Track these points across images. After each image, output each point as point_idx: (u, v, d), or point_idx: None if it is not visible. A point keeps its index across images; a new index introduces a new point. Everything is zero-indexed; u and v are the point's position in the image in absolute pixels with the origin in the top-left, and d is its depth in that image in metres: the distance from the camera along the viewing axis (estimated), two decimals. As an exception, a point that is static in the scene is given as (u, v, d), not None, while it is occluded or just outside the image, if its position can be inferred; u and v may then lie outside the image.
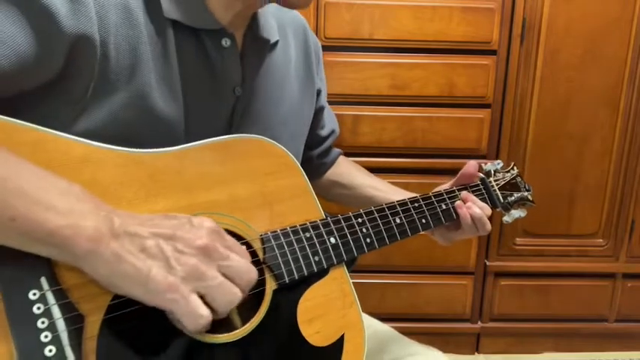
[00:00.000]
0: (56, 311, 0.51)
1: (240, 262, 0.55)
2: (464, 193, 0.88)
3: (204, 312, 0.52)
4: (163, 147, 0.61)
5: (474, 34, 1.62)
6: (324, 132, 0.97)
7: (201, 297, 0.53)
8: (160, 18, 0.63)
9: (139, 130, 0.62)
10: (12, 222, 0.48)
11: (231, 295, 0.54)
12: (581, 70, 1.67)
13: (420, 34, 1.61)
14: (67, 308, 0.52)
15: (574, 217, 1.79)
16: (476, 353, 1.90)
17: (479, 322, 1.88)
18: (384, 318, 1.15)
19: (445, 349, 1.89)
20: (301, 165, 0.85)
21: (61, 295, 0.52)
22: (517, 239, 1.80)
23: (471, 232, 0.86)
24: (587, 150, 1.74)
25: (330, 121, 0.99)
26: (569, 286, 1.85)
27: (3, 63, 0.53)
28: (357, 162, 1.69)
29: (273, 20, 0.79)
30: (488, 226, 0.86)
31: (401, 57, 1.63)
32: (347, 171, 1.04)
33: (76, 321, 0.52)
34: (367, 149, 1.68)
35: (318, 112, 0.93)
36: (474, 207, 0.85)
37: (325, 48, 1.62)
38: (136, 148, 0.59)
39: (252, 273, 0.56)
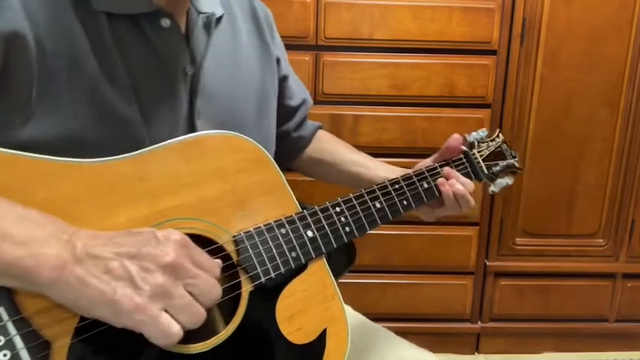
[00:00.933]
0: (18, 341, 0.49)
1: (206, 280, 0.53)
2: (446, 170, 0.85)
3: (175, 329, 0.50)
4: (126, 151, 0.58)
5: (473, 34, 1.61)
6: (293, 102, 0.92)
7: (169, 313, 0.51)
8: (90, 11, 0.59)
9: (93, 133, 0.58)
10: None
11: (197, 315, 0.52)
12: (581, 70, 1.67)
13: (420, 34, 1.61)
14: (31, 336, 0.49)
15: (574, 217, 1.79)
16: (476, 353, 1.90)
17: (479, 322, 1.87)
18: (383, 318, 1.16)
19: (445, 349, 1.90)
20: (278, 143, 0.81)
21: (22, 323, 0.49)
22: (517, 239, 1.80)
23: (455, 209, 0.84)
24: (587, 150, 1.73)
25: (299, 91, 0.94)
26: (569, 286, 1.85)
27: None
28: (357, 162, 1.71)
29: None
30: (472, 202, 0.83)
31: (401, 57, 1.63)
32: (330, 147, 0.99)
33: (41, 348, 0.50)
34: (367, 149, 1.66)
35: (282, 80, 0.88)
36: (456, 184, 0.83)
37: (325, 48, 1.64)
38: (95, 156, 0.56)
39: (216, 292, 0.54)
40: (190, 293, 0.52)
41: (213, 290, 0.54)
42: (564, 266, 1.82)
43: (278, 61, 0.87)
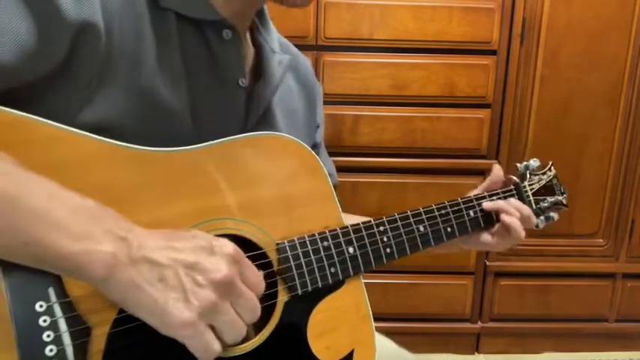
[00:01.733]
0: (62, 324, 0.50)
1: (250, 299, 0.53)
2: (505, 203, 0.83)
3: (217, 347, 0.51)
4: (171, 140, 0.59)
5: (473, 34, 1.62)
6: None
7: (212, 328, 0.52)
8: (160, 7, 0.62)
9: (144, 121, 0.60)
10: (25, 246, 0.46)
11: (239, 333, 0.53)
12: (581, 70, 1.67)
13: (420, 34, 1.61)
14: (74, 321, 0.50)
15: (574, 217, 1.79)
16: (476, 353, 1.90)
17: (479, 322, 1.88)
18: (384, 318, 1.16)
19: (445, 349, 1.90)
20: None
21: (68, 307, 0.50)
22: (517, 239, 1.80)
23: (513, 239, 0.82)
24: (587, 150, 1.73)
25: (327, 165, 0.91)
26: (569, 286, 1.85)
27: (4, 54, 0.51)
28: (357, 162, 1.71)
29: (277, 41, 0.79)
30: (523, 233, 0.82)
31: (401, 57, 1.63)
32: None
33: (82, 334, 0.51)
34: (367, 149, 1.68)
35: (314, 147, 0.89)
36: (516, 212, 0.81)
37: (325, 48, 1.64)
38: (143, 141, 0.57)
39: (257, 311, 0.55)
40: (235, 309, 0.52)
41: (255, 310, 0.54)
42: (564, 266, 1.82)
43: (317, 127, 0.90)
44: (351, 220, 0.74)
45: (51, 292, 0.50)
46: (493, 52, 1.65)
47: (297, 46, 1.63)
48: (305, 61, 0.89)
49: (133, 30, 0.59)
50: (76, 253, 0.47)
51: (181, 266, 0.50)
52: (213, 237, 0.53)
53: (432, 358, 1.83)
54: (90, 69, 0.56)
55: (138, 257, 0.49)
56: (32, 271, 0.49)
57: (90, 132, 0.55)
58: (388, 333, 0.89)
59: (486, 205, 0.82)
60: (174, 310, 0.48)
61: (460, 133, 1.68)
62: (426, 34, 1.61)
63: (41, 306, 0.49)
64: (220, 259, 0.51)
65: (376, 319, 0.92)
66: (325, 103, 1.62)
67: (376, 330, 0.77)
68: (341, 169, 1.67)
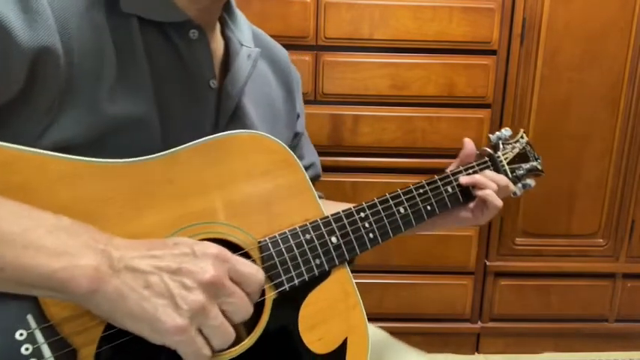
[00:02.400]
0: (46, 350, 0.48)
1: (242, 298, 0.53)
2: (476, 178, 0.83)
3: (208, 352, 0.50)
4: (141, 150, 0.57)
5: (474, 34, 1.62)
6: (302, 162, 0.89)
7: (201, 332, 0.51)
8: (123, 14, 0.60)
9: (111, 136, 0.58)
10: (2, 272, 0.45)
11: (228, 336, 0.52)
12: (581, 70, 1.67)
13: (420, 34, 1.61)
14: (59, 345, 0.49)
15: (574, 217, 1.79)
16: (476, 353, 1.90)
17: (479, 322, 1.87)
18: (384, 318, 1.16)
19: (445, 349, 1.90)
20: None
21: (50, 331, 0.49)
22: (517, 239, 1.80)
23: (492, 213, 0.82)
24: (587, 150, 1.73)
25: (310, 154, 0.93)
26: (569, 286, 1.85)
27: None
28: (357, 162, 1.71)
29: (250, 32, 0.78)
30: (499, 202, 0.82)
31: (401, 57, 1.63)
32: None
33: (68, 357, 0.49)
34: (367, 149, 1.68)
35: (296, 136, 0.88)
36: (490, 184, 0.81)
37: (325, 48, 1.64)
38: (112, 157, 0.55)
39: (249, 309, 0.54)
40: (224, 312, 0.52)
41: (247, 308, 0.53)
42: (564, 266, 1.82)
43: (298, 116, 0.88)
44: (332, 207, 0.73)
45: (30, 318, 0.48)
46: (493, 52, 1.65)
47: (297, 46, 1.62)
48: (282, 51, 0.88)
49: (94, 45, 0.57)
50: (57, 271, 0.45)
51: (166, 272, 0.49)
52: (194, 241, 0.52)
53: (432, 358, 1.82)
54: (51, 92, 0.55)
55: (120, 267, 0.48)
56: (7, 300, 0.47)
57: (56, 152, 0.53)
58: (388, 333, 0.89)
59: (463, 179, 0.83)
60: (165, 317, 0.48)
61: (460, 133, 1.68)
62: (426, 34, 1.61)
63: (22, 334, 0.48)
64: (205, 260, 0.51)
65: (376, 319, 0.93)
66: (325, 103, 1.64)
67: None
68: (341, 169, 1.68)
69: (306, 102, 1.62)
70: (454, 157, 0.83)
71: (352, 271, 0.72)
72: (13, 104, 0.54)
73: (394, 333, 0.91)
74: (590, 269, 1.83)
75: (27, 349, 0.48)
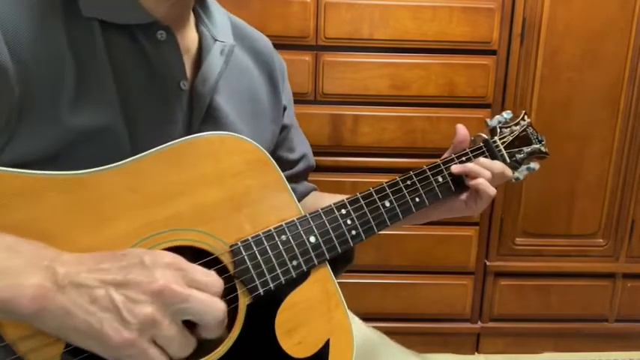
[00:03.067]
0: None
1: (201, 300, 0.50)
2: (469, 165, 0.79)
3: None
4: (109, 159, 0.55)
5: (473, 34, 1.61)
6: (293, 155, 0.88)
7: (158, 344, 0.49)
8: (81, 18, 0.57)
9: (75, 147, 0.56)
10: None
11: (186, 345, 0.50)
12: (581, 70, 1.67)
13: (420, 34, 1.61)
14: None
15: (574, 217, 1.79)
16: (476, 353, 1.90)
17: (479, 322, 1.87)
18: (383, 318, 1.16)
19: (445, 349, 1.90)
20: None
21: (6, 352, 0.47)
22: (517, 239, 1.80)
23: (485, 202, 0.79)
24: (587, 150, 1.73)
25: (301, 146, 0.90)
26: (569, 286, 1.85)
27: None
28: (356, 162, 1.71)
29: (228, 24, 0.76)
30: (493, 190, 0.78)
31: (401, 57, 1.63)
32: (313, 203, 0.87)
33: None
34: (367, 149, 1.68)
35: (283, 129, 0.85)
36: (483, 172, 0.78)
37: (325, 48, 1.64)
38: (78, 168, 0.53)
39: (217, 308, 0.51)
40: (188, 315, 0.50)
41: (213, 308, 0.50)
42: (564, 266, 1.82)
43: (285, 108, 0.85)
44: (328, 199, 0.71)
45: None
46: (493, 52, 1.65)
47: (297, 46, 1.62)
48: (264, 41, 0.84)
49: (50, 55, 0.55)
50: (0, 290, 0.44)
51: (112, 286, 0.47)
52: (145, 251, 0.50)
53: (432, 358, 1.82)
54: (6, 108, 0.53)
55: (65, 283, 0.46)
56: None
57: (25, 167, 0.52)
58: (388, 333, 0.89)
59: (454, 168, 0.79)
60: (111, 331, 0.46)
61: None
62: (426, 34, 1.61)
63: None
64: (154, 270, 0.49)
65: (376, 319, 0.93)
66: (325, 103, 1.64)
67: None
68: (341, 169, 1.68)
69: (306, 102, 1.63)
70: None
71: (352, 272, 0.71)
72: None
73: (394, 333, 0.92)
74: (590, 269, 1.83)
75: None
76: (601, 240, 1.82)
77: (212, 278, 0.52)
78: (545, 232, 1.80)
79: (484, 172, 0.78)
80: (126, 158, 0.56)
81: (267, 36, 0.87)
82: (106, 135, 0.58)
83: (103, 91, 0.59)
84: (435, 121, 1.67)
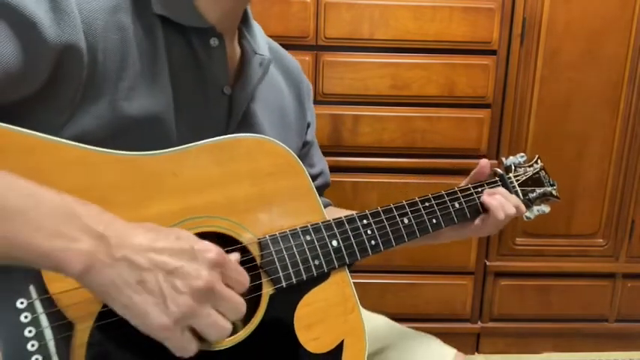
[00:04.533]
0: (44, 320, 0.51)
1: (234, 300, 0.54)
2: (491, 191, 0.84)
3: (193, 347, 0.52)
4: (155, 148, 0.60)
5: (473, 34, 1.62)
6: (313, 170, 0.93)
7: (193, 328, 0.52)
8: (148, 14, 0.63)
9: (126, 132, 0.61)
10: (5, 246, 0.47)
11: (223, 330, 0.53)
12: (581, 70, 1.67)
13: (420, 34, 1.61)
14: (56, 316, 0.51)
15: (574, 217, 1.79)
16: (476, 353, 1.90)
17: (479, 322, 1.88)
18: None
19: (445, 349, 1.90)
20: None
21: (49, 303, 0.51)
22: (517, 239, 1.80)
23: (497, 225, 0.83)
24: (587, 150, 1.73)
25: (319, 162, 0.95)
26: (569, 286, 1.85)
27: None
28: (356, 162, 1.71)
29: (265, 42, 0.81)
30: (502, 216, 0.83)
31: (401, 57, 1.63)
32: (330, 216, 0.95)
33: (64, 329, 0.51)
34: (367, 149, 1.68)
35: (305, 145, 0.91)
36: (501, 199, 0.83)
37: (325, 48, 1.64)
38: (128, 149, 0.58)
39: (241, 309, 0.55)
40: (218, 310, 0.53)
41: (238, 309, 0.54)
42: (564, 266, 1.82)
43: (308, 125, 0.91)
44: (338, 214, 0.74)
45: (32, 289, 0.51)
46: (493, 52, 1.65)
47: (297, 46, 1.63)
48: (294, 61, 0.91)
49: (118, 44, 0.60)
50: (52, 251, 0.47)
51: (161, 271, 0.50)
52: (196, 240, 0.53)
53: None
54: (73, 88, 0.57)
55: (118, 257, 0.49)
56: (13, 270, 0.49)
57: (84, 142, 0.56)
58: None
59: (485, 198, 0.83)
60: (153, 314, 0.49)
61: (460, 133, 1.68)
62: (426, 34, 1.61)
63: (22, 303, 0.50)
64: (201, 264, 0.51)
65: (373, 313, 0.92)
66: (325, 103, 1.64)
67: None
68: (341, 169, 1.68)
69: (306, 102, 1.62)
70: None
71: (352, 271, 0.73)
72: (36, 97, 0.56)
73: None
74: (590, 269, 1.83)
75: (26, 317, 0.50)
76: (601, 240, 1.82)
77: (244, 278, 0.56)
78: (545, 232, 1.80)
79: (509, 197, 0.84)
80: (168, 143, 0.62)
81: (268, 36, 0.87)
82: (156, 123, 0.63)
83: (159, 84, 0.63)
84: (435, 121, 1.67)
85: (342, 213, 0.81)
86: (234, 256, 0.58)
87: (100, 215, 0.51)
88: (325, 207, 0.94)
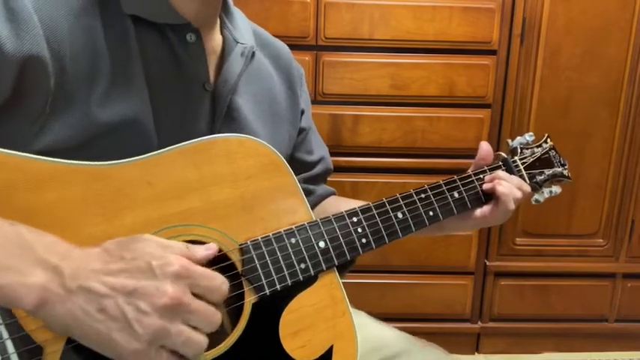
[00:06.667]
0: (10, 346, 0.48)
1: (204, 312, 0.51)
2: (489, 177, 0.79)
3: None
4: (136, 152, 0.57)
5: (473, 34, 1.61)
6: (312, 157, 0.89)
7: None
8: (118, 15, 0.60)
9: (102, 138, 0.58)
10: None
11: (198, 345, 0.51)
12: (581, 70, 1.67)
13: (420, 34, 1.61)
14: (23, 341, 0.48)
15: (574, 217, 1.79)
16: (476, 353, 1.90)
17: (479, 322, 1.87)
18: (383, 318, 1.15)
19: (445, 349, 1.89)
20: None
21: (15, 327, 0.48)
22: (517, 239, 1.80)
23: (505, 214, 0.78)
24: (587, 150, 1.73)
25: (319, 148, 0.91)
26: (569, 286, 1.85)
27: None
28: (357, 162, 1.71)
29: (250, 30, 0.78)
30: (511, 205, 0.77)
31: (401, 57, 1.63)
32: (333, 207, 0.87)
33: (33, 353, 0.49)
34: (367, 149, 1.68)
35: (301, 132, 0.87)
36: (502, 182, 0.77)
37: (325, 48, 1.64)
38: (107, 158, 0.56)
39: (216, 319, 0.52)
40: (190, 325, 0.51)
41: (213, 319, 0.52)
42: (564, 266, 1.82)
43: (302, 112, 0.87)
44: (344, 204, 0.71)
45: None
46: (493, 52, 1.65)
47: (297, 46, 1.62)
48: (284, 48, 0.87)
49: (86, 49, 0.57)
50: (4, 286, 0.45)
51: (120, 294, 0.47)
52: (154, 254, 0.50)
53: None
54: (41, 99, 0.55)
55: (73, 287, 0.46)
56: None
57: (44, 155, 0.53)
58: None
59: (485, 186, 0.79)
60: (121, 341, 0.47)
61: (460, 133, 1.68)
62: (426, 34, 1.61)
63: None
64: (163, 280, 0.48)
65: (376, 319, 0.93)
66: (325, 103, 1.64)
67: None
68: (341, 169, 1.68)
69: (306, 102, 1.62)
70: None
71: (352, 271, 0.71)
72: (2, 111, 0.54)
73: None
74: (590, 269, 1.83)
75: None
76: (601, 240, 1.82)
77: (218, 284, 0.53)
78: (545, 232, 1.80)
79: (512, 179, 0.78)
80: (150, 147, 0.59)
81: (267, 36, 0.87)
82: (134, 127, 0.60)
83: (135, 86, 0.61)
84: (435, 121, 1.67)
85: (345, 202, 0.78)
86: (204, 249, 0.54)
87: (54, 245, 0.48)
88: (328, 196, 0.91)
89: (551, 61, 1.65)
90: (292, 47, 0.93)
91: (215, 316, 0.52)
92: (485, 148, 0.83)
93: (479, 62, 1.64)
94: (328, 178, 0.96)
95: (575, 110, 1.70)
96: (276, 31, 1.49)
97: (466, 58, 1.64)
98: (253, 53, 0.75)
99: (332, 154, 0.97)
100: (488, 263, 1.81)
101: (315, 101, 1.64)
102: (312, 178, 0.89)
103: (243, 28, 0.76)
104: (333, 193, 0.94)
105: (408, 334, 0.88)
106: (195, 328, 0.50)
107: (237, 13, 0.77)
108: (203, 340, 0.51)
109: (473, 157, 0.83)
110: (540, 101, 1.69)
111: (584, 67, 1.66)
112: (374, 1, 1.58)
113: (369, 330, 0.86)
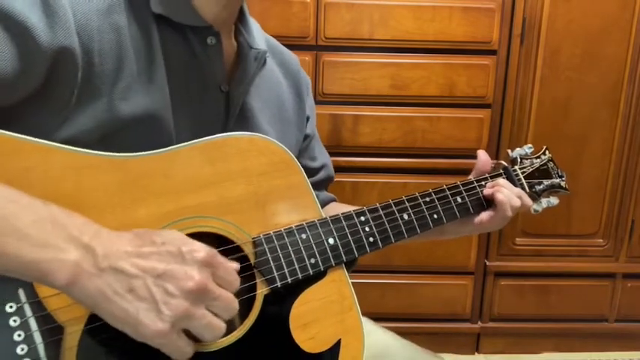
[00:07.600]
0: (33, 323, 0.50)
1: (226, 299, 0.53)
2: (490, 184, 0.82)
3: (190, 350, 0.52)
4: (154, 147, 0.60)
5: (474, 34, 1.62)
6: (314, 164, 0.92)
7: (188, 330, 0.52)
8: (144, 14, 0.62)
9: (125, 131, 0.60)
10: None
11: (217, 330, 0.53)
12: (581, 70, 1.67)
13: (420, 34, 1.61)
14: (45, 320, 0.51)
15: (574, 217, 1.79)
16: (476, 353, 1.90)
17: (479, 322, 1.88)
18: (384, 318, 1.16)
19: (445, 349, 1.90)
20: None
21: (39, 306, 0.51)
22: (517, 239, 1.80)
23: (503, 220, 0.80)
24: (587, 150, 1.73)
25: (321, 156, 0.94)
26: (569, 286, 1.85)
27: None
28: (357, 162, 1.71)
29: (262, 36, 0.81)
30: (509, 212, 0.80)
31: (401, 57, 1.63)
32: (336, 212, 0.90)
33: (54, 332, 0.51)
34: (367, 149, 1.68)
35: (305, 138, 0.90)
36: (502, 190, 0.80)
37: (325, 48, 1.64)
38: (126, 150, 0.58)
39: (234, 307, 0.54)
40: (211, 311, 0.52)
41: (232, 307, 0.54)
42: (564, 266, 1.82)
43: (307, 119, 0.90)
44: (343, 210, 0.73)
45: (21, 293, 0.51)
46: (493, 52, 1.65)
47: (297, 46, 1.62)
48: (293, 57, 0.91)
49: (114, 45, 0.59)
50: (38, 262, 0.46)
51: (150, 276, 0.49)
52: (184, 241, 0.52)
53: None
54: (68, 90, 0.57)
55: (104, 266, 0.48)
56: (2, 275, 0.49)
57: (78, 144, 0.56)
58: (388, 333, 0.89)
59: (486, 191, 0.81)
60: (147, 321, 0.48)
61: (460, 133, 1.68)
62: (426, 34, 1.61)
63: (11, 307, 0.50)
64: (191, 265, 0.51)
65: (376, 319, 0.93)
66: (325, 103, 1.64)
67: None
68: (341, 169, 1.68)
69: (306, 102, 1.62)
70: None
71: (352, 271, 0.72)
72: (31, 100, 0.56)
73: (394, 333, 0.91)
74: (590, 269, 1.83)
75: (15, 320, 0.50)
76: (601, 240, 1.82)
77: (234, 277, 0.55)
78: (545, 232, 1.80)
79: (512, 188, 0.81)
80: (167, 142, 0.61)
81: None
82: (153, 122, 0.62)
83: (156, 83, 0.63)
84: (435, 121, 1.67)
85: (346, 209, 0.80)
86: (233, 265, 0.56)
87: (85, 225, 0.50)
88: (329, 202, 0.94)
89: (551, 61, 1.65)
90: (292, 47, 0.93)
91: (234, 304, 0.54)
92: (482, 157, 0.86)
93: (479, 62, 1.64)
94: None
95: (575, 110, 1.70)
96: (276, 31, 1.50)
97: (466, 58, 1.64)
98: (265, 59, 0.78)
99: (332, 154, 0.97)
100: (488, 263, 1.82)
101: (315, 101, 1.63)
102: (314, 185, 0.91)
103: (257, 35, 0.78)
104: (334, 200, 0.96)
105: (414, 344, 0.88)
106: (214, 314, 0.52)
107: (253, 23, 0.80)
108: (222, 326, 0.53)
109: (473, 157, 0.83)
110: (540, 101, 1.69)
111: (584, 67, 1.66)
112: (374, 1, 1.58)
113: (373, 337, 0.86)
